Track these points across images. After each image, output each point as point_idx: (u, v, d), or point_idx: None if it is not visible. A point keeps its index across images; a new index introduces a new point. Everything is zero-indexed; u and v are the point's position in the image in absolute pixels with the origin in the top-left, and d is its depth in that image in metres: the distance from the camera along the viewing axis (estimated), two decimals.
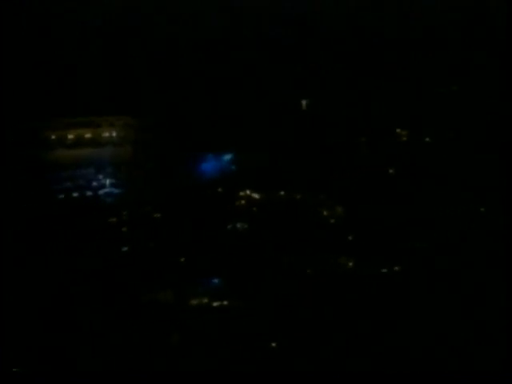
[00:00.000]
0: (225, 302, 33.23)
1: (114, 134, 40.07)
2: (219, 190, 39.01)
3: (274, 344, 30.40)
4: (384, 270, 34.24)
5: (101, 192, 38.83)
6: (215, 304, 33.23)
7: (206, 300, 33.36)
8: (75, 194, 38.47)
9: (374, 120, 41.59)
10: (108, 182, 39.15)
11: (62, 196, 38.25)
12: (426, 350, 29.18)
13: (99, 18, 41.11)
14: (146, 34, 41.63)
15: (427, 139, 41.35)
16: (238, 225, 37.37)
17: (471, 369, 27.52)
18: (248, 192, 39.30)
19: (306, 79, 41.91)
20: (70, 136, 39.57)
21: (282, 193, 39.23)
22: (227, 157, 40.21)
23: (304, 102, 42.13)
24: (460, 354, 28.76)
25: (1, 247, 33.87)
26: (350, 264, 34.99)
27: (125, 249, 35.66)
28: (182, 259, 35.08)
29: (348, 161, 39.93)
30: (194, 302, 33.35)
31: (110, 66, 40.61)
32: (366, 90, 42.02)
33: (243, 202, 39.10)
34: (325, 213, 38.22)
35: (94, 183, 39.03)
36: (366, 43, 42.77)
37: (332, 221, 37.94)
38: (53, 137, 39.20)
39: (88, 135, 39.76)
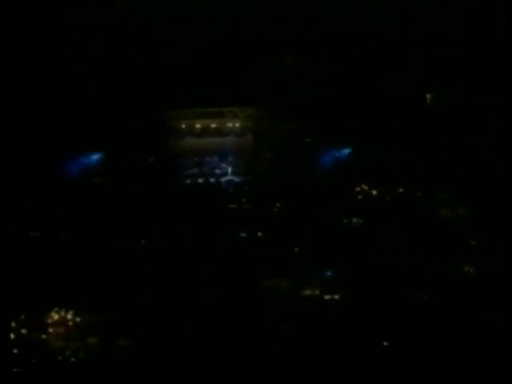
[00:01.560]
0: (336, 296, 33.25)
1: (237, 125, 41.27)
2: (336, 183, 38.92)
3: (385, 343, 30.10)
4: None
5: (223, 179, 40.52)
6: (327, 297, 33.36)
7: (317, 292, 33.60)
8: (200, 180, 40.50)
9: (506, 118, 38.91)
10: (230, 170, 40.72)
11: (188, 181, 40.44)
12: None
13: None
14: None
15: None
16: (354, 220, 37.10)
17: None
18: (365, 187, 38.82)
19: (432, 72, 40.16)
20: (198, 125, 41.38)
21: (401, 190, 38.30)
22: (345, 151, 39.97)
23: (429, 96, 40.46)
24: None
25: (130, 228, 36.60)
26: (471, 271, 33.43)
27: (243, 235, 36.84)
28: (296, 249, 35.52)
29: (475, 160, 37.78)
30: (307, 292, 33.72)
31: (240, 62, 41.56)
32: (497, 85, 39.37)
33: (360, 197, 38.70)
34: (446, 214, 36.73)
35: (217, 171, 40.84)
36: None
37: (453, 223, 36.39)
38: (183, 126, 41.27)
39: (213, 125, 41.32)
